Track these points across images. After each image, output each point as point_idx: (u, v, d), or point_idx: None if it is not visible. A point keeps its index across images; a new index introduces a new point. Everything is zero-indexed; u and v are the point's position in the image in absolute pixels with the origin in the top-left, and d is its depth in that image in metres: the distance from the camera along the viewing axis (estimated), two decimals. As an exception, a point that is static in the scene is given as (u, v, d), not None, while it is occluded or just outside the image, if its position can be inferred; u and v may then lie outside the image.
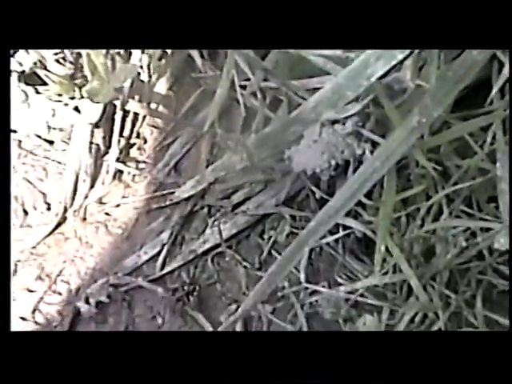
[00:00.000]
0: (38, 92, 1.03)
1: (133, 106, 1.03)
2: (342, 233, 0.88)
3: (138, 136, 1.05)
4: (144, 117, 1.05)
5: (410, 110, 0.82)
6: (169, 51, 1.04)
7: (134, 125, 1.05)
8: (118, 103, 1.01)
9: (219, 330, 0.87)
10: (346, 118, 0.85)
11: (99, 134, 1.03)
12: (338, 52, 0.90)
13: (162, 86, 1.06)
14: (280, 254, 0.92)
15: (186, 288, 0.90)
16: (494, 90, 0.81)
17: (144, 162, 1.02)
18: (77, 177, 0.99)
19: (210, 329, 0.87)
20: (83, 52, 0.96)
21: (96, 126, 1.02)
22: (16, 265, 0.94)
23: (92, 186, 0.99)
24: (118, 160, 1.01)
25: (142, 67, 1.03)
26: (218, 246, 0.92)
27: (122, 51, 1.02)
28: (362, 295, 0.87)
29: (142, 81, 1.04)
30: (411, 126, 0.80)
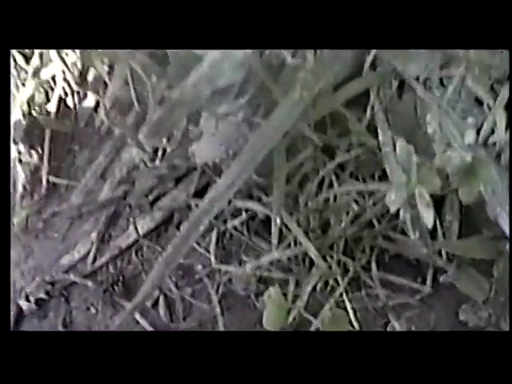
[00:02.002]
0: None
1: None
2: (245, 216, 0.92)
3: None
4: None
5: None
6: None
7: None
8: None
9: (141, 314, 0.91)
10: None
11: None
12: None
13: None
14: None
15: (111, 279, 0.95)
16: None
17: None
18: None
19: (137, 315, 0.91)
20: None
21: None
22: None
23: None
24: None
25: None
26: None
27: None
28: (269, 270, 0.89)
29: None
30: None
